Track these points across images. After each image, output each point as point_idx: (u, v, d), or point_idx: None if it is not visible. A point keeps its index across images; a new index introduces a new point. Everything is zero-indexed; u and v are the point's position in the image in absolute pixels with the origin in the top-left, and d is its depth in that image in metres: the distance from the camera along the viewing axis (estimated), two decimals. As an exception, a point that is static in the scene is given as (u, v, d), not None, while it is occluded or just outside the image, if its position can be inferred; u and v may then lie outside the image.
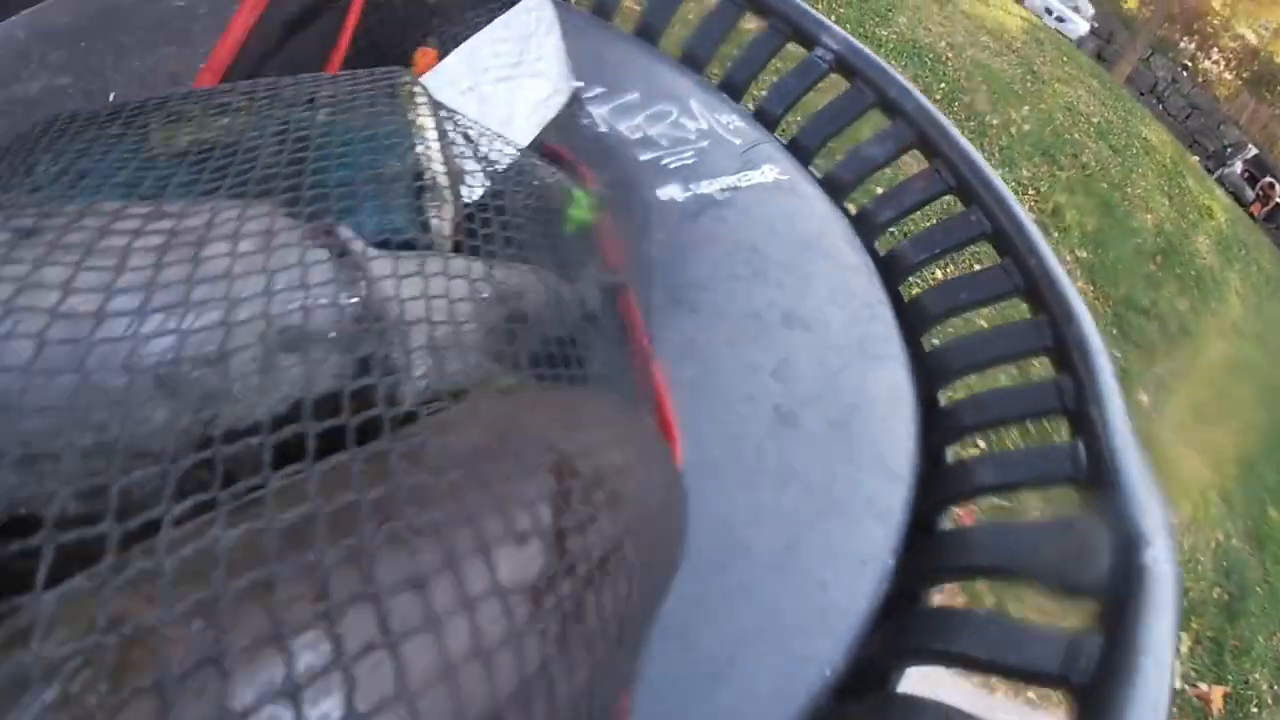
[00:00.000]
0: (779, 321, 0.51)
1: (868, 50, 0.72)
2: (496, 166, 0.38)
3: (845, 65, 0.71)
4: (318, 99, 0.34)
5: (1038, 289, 0.53)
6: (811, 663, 0.35)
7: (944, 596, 0.39)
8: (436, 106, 0.36)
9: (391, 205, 0.31)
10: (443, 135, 0.35)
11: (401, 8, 0.46)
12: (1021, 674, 0.32)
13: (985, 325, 0.62)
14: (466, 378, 0.27)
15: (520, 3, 0.47)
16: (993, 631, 0.33)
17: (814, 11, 0.75)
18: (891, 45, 3.01)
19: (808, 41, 0.73)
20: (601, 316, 0.41)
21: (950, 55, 3.21)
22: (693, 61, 0.76)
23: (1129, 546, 0.33)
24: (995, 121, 2.93)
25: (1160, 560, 0.32)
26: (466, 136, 0.38)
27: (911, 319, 0.59)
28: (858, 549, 0.39)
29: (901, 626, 0.37)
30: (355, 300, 0.24)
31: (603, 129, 0.61)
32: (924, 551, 0.39)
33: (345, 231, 0.25)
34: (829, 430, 0.45)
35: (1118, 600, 0.32)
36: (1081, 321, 0.48)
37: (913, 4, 3.52)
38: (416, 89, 0.36)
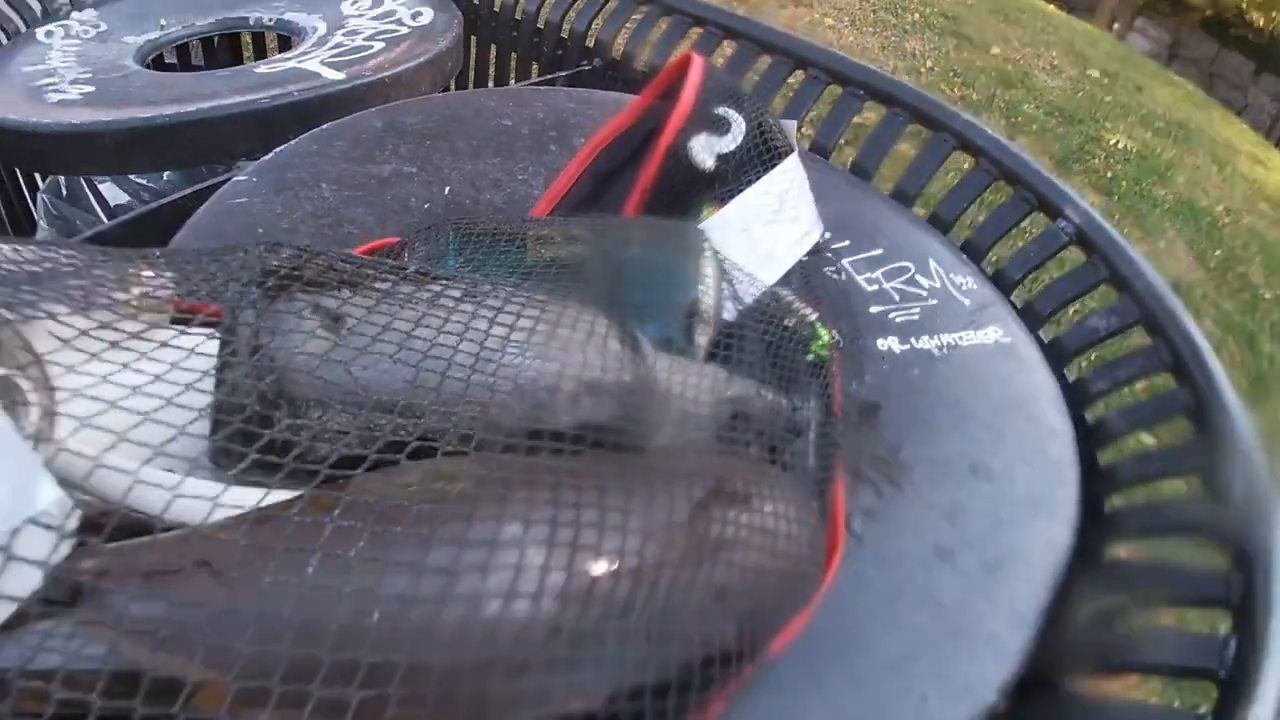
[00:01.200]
0: (966, 471, 0.58)
1: (1107, 225, 0.77)
2: (747, 303, 0.52)
3: (1084, 239, 0.77)
4: (633, 238, 0.51)
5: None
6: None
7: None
8: (718, 258, 0.51)
9: (672, 323, 0.46)
10: (717, 279, 0.50)
11: (683, 173, 0.62)
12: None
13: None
14: (691, 443, 0.41)
15: (780, 165, 0.61)
16: None
17: (1060, 183, 0.82)
18: (1167, 206, 2.82)
19: (1052, 212, 0.80)
20: (810, 432, 0.52)
21: (1227, 221, 2.93)
22: (939, 222, 0.85)
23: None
24: (1268, 295, 2.60)
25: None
26: (733, 281, 0.52)
27: (1101, 480, 0.63)
28: (965, 676, 0.44)
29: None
30: (634, 375, 0.38)
31: (843, 278, 0.72)
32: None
33: (639, 334, 0.40)
34: (979, 570, 0.51)
35: None
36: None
37: (1191, 164, 3.26)
38: (705, 242, 0.51)
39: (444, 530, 0.27)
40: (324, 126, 0.81)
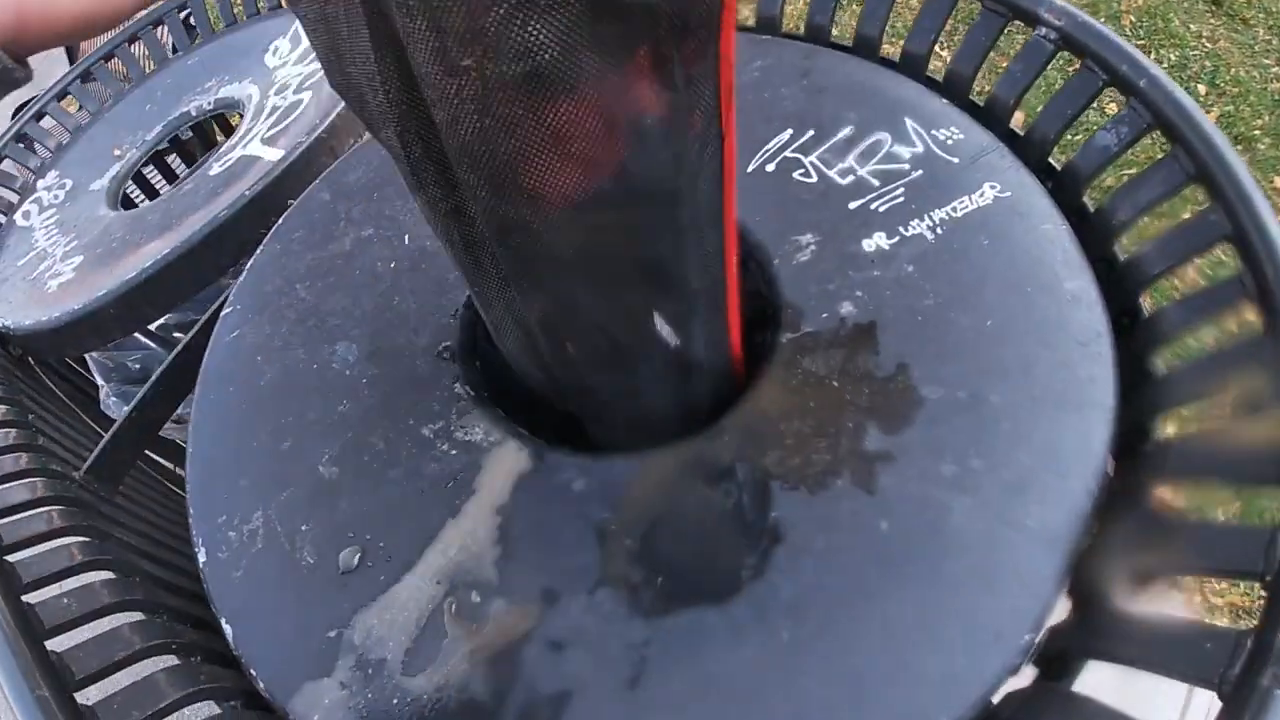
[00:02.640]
0: (977, 373, 0.54)
1: (1094, 22, 0.67)
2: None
3: (1071, 42, 0.67)
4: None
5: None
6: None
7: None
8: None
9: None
10: None
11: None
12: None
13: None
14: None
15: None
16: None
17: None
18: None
19: (1027, 18, 0.70)
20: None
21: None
22: (911, 64, 0.76)
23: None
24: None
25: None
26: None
27: (1143, 337, 0.58)
28: (995, 620, 0.43)
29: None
30: None
31: (813, 180, 0.65)
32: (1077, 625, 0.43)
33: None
34: (1001, 495, 0.48)
35: None
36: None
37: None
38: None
39: None
40: (281, 219, 0.79)
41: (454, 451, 0.57)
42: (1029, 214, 0.62)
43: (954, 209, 0.63)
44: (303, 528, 0.57)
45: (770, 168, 0.68)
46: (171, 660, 0.54)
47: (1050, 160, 0.70)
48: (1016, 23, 0.71)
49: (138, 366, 1.29)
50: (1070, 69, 0.68)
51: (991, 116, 0.72)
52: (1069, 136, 0.69)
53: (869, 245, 0.61)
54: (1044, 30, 0.70)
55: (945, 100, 0.70)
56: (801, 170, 0.67)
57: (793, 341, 0.57)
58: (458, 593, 0.51)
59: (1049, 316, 0.57)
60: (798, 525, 0.49)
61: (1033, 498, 0.49)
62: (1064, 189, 0.68)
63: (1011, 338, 0.56)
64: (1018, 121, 0.74)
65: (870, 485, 0.50)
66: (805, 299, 0.59)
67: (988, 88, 0.73)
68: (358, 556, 0.54)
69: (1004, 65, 0.73)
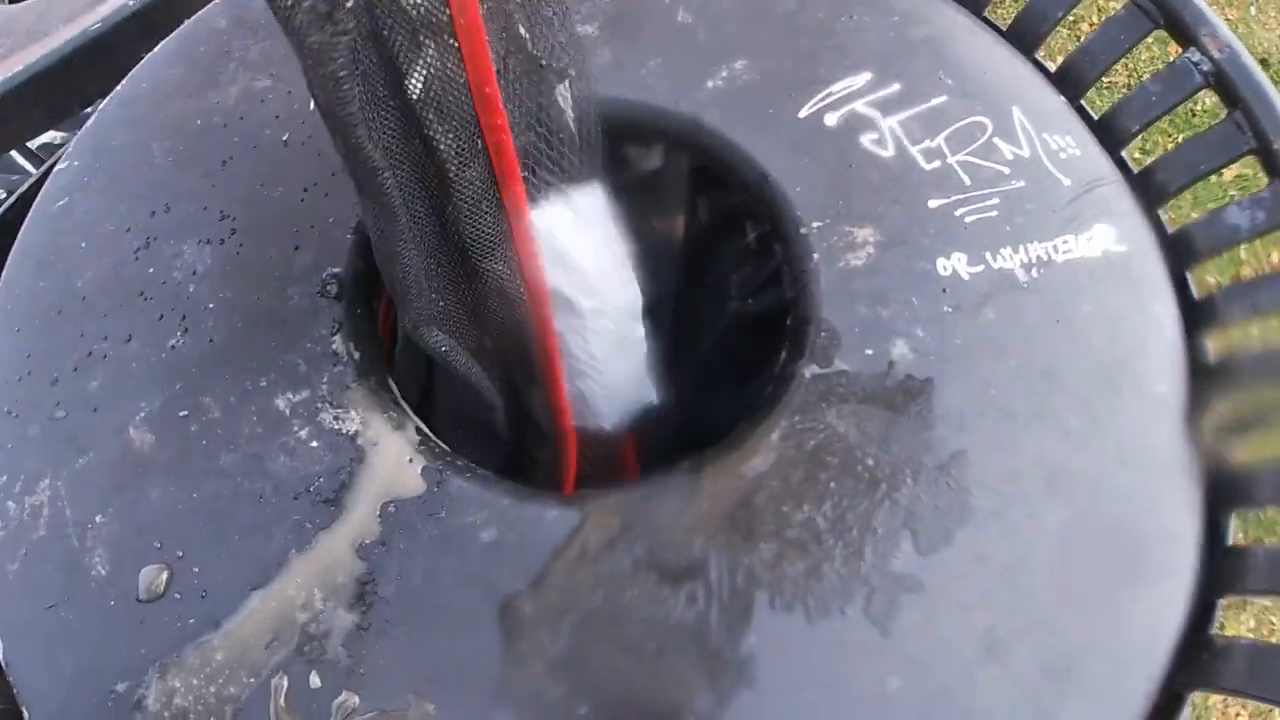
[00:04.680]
0: (1040, 489, 0.40)
1: (1257, 72, 0.52)
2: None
3: (1225, 83, 0.52)
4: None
5: None
6: None
7: None
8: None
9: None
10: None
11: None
12: None
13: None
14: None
15: None
16: None
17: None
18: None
19: (1182, 36, 0.53)
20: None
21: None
22: (1020, 40, 0.58)
23: None
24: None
25: None
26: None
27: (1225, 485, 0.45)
28: None
29: None
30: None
31: (887, 152, 0.47)
32: None
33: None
34: (1039, 677, 0.35)
35: None
36: None
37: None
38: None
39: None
40: (158, 48, 0.56)
41: (315, 444, 0.37)
42: (1142, 285, 0.48)
43: (1055, 248, 0.47)
44: (97, 518, 0.37)
45: (831, 119, 0.49)
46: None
47: (1159, 213, 0.55)
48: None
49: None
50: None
51: (1103, 134, 0.56)
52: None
53: (944, 267, 0.44)
54: (1197, 57, 0.53)
55: (1064, 99, 0.54)
56: (874, 135, 0.48)
57: (819, 380, 0.40)
58: (291, 668, 0.33)
59: (1134, 426, 0.44)
60: (778, 664, 0.34)
61: (1076, 688, 0.36)
62: (1170, 255, 0.53)
63: (1090, 444, 0.42)
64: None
65: (886, 624, 0.35)
66: (847, 321, 0.42)
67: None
68: (164, 578, 0.36)
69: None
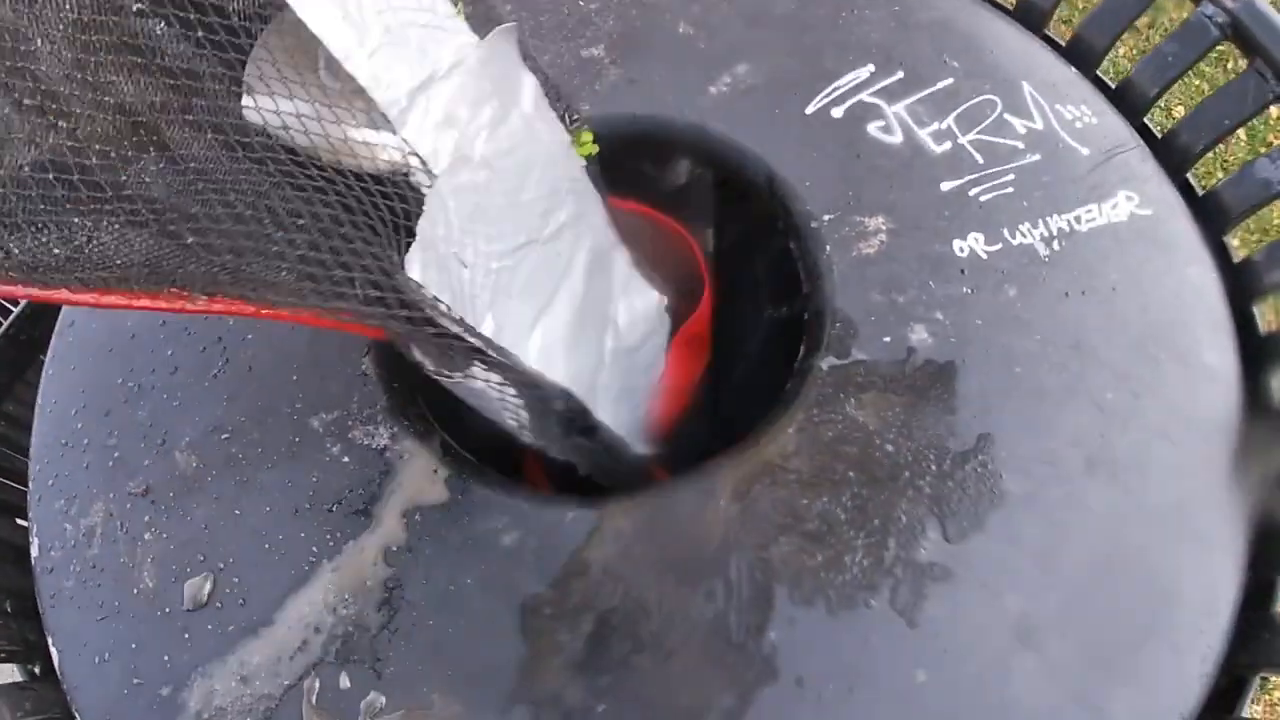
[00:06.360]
0: (1079, 469, 0.38)
1: (1274, 14, 0.49)
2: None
3: (1242, 32, 0.50)
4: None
5: None
6: None
7: None
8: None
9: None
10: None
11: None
12: None
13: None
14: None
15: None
16: None
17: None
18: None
19: None
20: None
21: None
22: (1029, 14, 0.56)
23: None
24: None
25: None
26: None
27: None
28: None
29: None
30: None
31: (895, 138, 0.47)
32: None
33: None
34: (1078, 665, 0.33)
35: None
36: None
37: None
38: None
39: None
40: None
41: (347, 459, 0.39)
42: (1172, 248, 0.46)
43: (1077, 218, 0.45)
44: (146, 536, 0.40)
45: (837, 113, 0.49)
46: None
47: (1188, 177, 0.53)
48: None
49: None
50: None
51: (1123, 104, 0.54)
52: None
53: (961, 248, 0.44)
54: (1211, 10, 0.51)
55: (1075, 70, 0.52)
56: (881, 123, 0.48)
57: (836, 371, 0.40)
58: (322, 670, 0.35)
59: (1178, 399, 0.42)
60: (804, 660, 0.33)
61: (1123, 675, 0.34)
62: (1204, 220, 0.51)
63: (1131, 421, 0.40)
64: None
65: (913, 615, 0.34)
66: (863, 310, 0.41)
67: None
68: (208, 588, 0.38)
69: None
